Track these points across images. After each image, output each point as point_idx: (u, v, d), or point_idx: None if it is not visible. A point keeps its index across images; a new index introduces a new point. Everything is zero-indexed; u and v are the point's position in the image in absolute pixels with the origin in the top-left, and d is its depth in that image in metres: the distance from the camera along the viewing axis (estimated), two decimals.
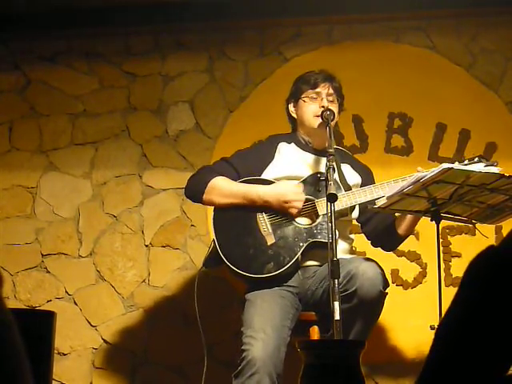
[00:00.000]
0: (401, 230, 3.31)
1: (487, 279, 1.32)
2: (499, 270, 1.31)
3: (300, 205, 3.18)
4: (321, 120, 3.25)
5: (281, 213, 3.20)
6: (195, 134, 4.23)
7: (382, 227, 3.35)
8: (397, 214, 3.34)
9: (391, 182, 3.18)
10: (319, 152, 3.34)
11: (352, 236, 3.40)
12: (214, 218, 3.27)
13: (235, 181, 3.28)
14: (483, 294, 1.31)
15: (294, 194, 3.18)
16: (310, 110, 3.31)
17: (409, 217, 3.26)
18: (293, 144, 3.38)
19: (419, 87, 4.09)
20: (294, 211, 3.18)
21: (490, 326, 1.30)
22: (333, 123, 3.25)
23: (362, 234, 3.47)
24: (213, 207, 3.30)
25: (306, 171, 3.29)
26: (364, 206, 3.30)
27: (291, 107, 3.41)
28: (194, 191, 3.33)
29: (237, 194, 3.23)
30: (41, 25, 4.27)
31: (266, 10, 4.17)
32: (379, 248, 3.45)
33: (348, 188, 3.24)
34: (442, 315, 2.94)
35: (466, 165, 3.02)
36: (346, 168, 3.37)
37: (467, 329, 1.32)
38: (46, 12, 4.18)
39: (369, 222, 3.39)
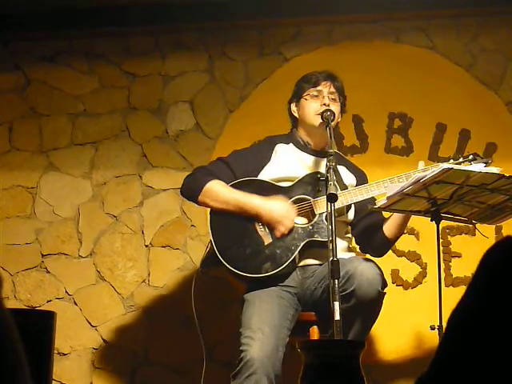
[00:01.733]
0: (389, 232, 3.28)
1: (503, 271, 1.31)
2: None
3: (287, 228, 3.16)
4: (321, 120, 3.25)
5: (268, 228, 3.20)
6: (195, 134, 4.23)
7: (369, 229, 3.33)
8: (385, 215, 3.34)
9: (387, 181, 3.18)
10: (317, 153, 3.34)
11: (349, 235, 3.40)
12: (211, 219, 3.28)
13: (232, 181, 3.28)
14: (498, 286, 1.31)
15: (285, 216, 3.17)
16: (312, 108, 3.31)
17: (396, 219, 3.25)
18: (291, 144, 3.38)
19: (419, 87, 4.09)
20: (279, 233, 3.17)
21: (503, 316, 1.29)
22: (333, 123, 3.25)
23: None
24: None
25: (304, 172, 3.29)
26: (359, 208, 3.30)
27: (293, 106, 3.40)
28: (190, 193, 3.33)
29: (231, 202, 3.23)
30: (41, 25, 4.27)
31: (265, 10, 4.17)
32: (368, 254, 3.44)
33: (344, 188, 3.25)
34: (442, 315, 2.95)
35: (460, 163, 3.03)
36: (342, 169, 3.37)
37: (481, 321, 1.31)
38: (46, 12, 4.18)
39: (357, 225, 3.38)
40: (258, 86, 4.23)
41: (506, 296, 1.30)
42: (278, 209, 3.18)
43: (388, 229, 3.29)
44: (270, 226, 3.18)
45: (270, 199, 3.21)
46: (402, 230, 3.32)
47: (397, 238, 3.35)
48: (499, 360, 1.29)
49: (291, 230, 3.18)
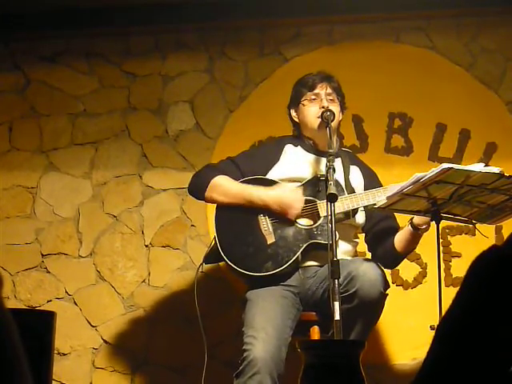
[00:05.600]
0: (398, 244, 3.24)
1: (489, 279, 1.32)
2: (502, 269, 1.31)
3: (298, 210, 3.18)
4: (321, 121, 3.25)
5: (279, 216, 3.20)
6: (195, 134, 4.23)
7: (380, 235, 3.31)
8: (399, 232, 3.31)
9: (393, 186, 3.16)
10: (325, 154, 3.32)
11: (356, 240, 3.38)
12: (215, 216, 3.29)
13: (238, 179, 3.29)
14: (485, 294, 1.31)
15: (293, 198, 3.18)
16: (311, 112, 3.31)
17: (407, 233, 3.21)
18: (299, 146, 3.38)
19: (419, 87, 4.09)
20: (292, 216, 3.18)
21: (490, 325, 1.30)
22: (334, 123, 3.25)
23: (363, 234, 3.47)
24: (214, 205, 3.32)
25: (311, 173, 3.29)
26: (370, 214, 3.29)
27: (293, 112, 3.40)
28: (197, 188, 3.35)
29: (237, 195, 3.23)
30: (41, 25, 4.27)
31: (265, 10, 4.17)
32: (380, 264, 3.40)
33: (352, 191, 3.24)
34: (442, 315, 2.95)
35: None
36: (353, 170, 3.36)
37: (467, 328, 1.32)
38: (46, 12, 4.18)
39: (370, 231, 3.37)
40: (258, 86, 4.23)
41: (493, 304, 1.30)
42: (286, 194, 3.19)
43: (397, 241, 3.24)
44: (282, 213, 3.18)
45: (274, 188, 3.22)
46: (410, 245, 3.24)
47: (406, 252, 3.29)
48: (486, 369, 1.29)
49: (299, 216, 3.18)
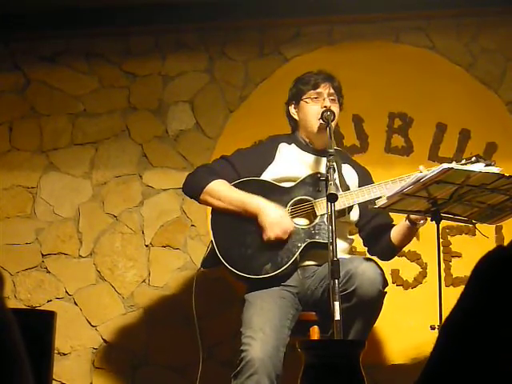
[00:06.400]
0: (394, 238, 3.27)
1: (494, 279, 1.32)
2: (506, 270, 1.31)
3: (274, 236, 3.13)
4: (321, 121, 3.25)
5: (262, 231, 3.17)
6: (195, 134, 4.23)
7: (376, 231, 3.33)
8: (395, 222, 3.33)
9: (389, 183, 3.17)
10: (319, 152, 3.33)
11: (351, 237, 3.40)
12: (212, 219, 3.28)
13: (235, 180, 3.28)
14: (489, 294, 1.31)
15: (275, 224, 3.14)
16: (313, 110, 3.30)
17: (402, 227, 3.24)
18: (293, 145, 3.38)
19: (419, 87, 4.09)
20: (265, 237, 3.15)
21: (495, 325, 1.30)
22: (334, 123, 3.25)
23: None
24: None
25: (306, 172, 3.28)
26: (364, 210, 3.30)
27: (292, 109, 3.39)
28: (192, 191, 3.34)
29: (234, 202, 3.22)
30: (41, 25, 4.27)
31: (265, 10, 4.17)
32: (376, 257, 3.42)
33: (346, 188, 3.24)
34: (442, 315, 2.95)
35: (463, 164, 3.02)
36: (347, 168, 3.37)
37: (471, 329, 1.32)
38: (46, 12, 4.19)
39: (365, 227, 3.38)
40: (258, 85, 4.23)
41: (496, 305, 1.30)
42: (273, 216, 3.15)
43: (394, 235, 3.27)
44: (261, 229, 3.18)
45: (271, 205, 3.19)
46: (407, 239, 3.29)
47: (402, 246, 3.34)
48: (489, 370, 1.29)
49: (281, 239, 3.15)
